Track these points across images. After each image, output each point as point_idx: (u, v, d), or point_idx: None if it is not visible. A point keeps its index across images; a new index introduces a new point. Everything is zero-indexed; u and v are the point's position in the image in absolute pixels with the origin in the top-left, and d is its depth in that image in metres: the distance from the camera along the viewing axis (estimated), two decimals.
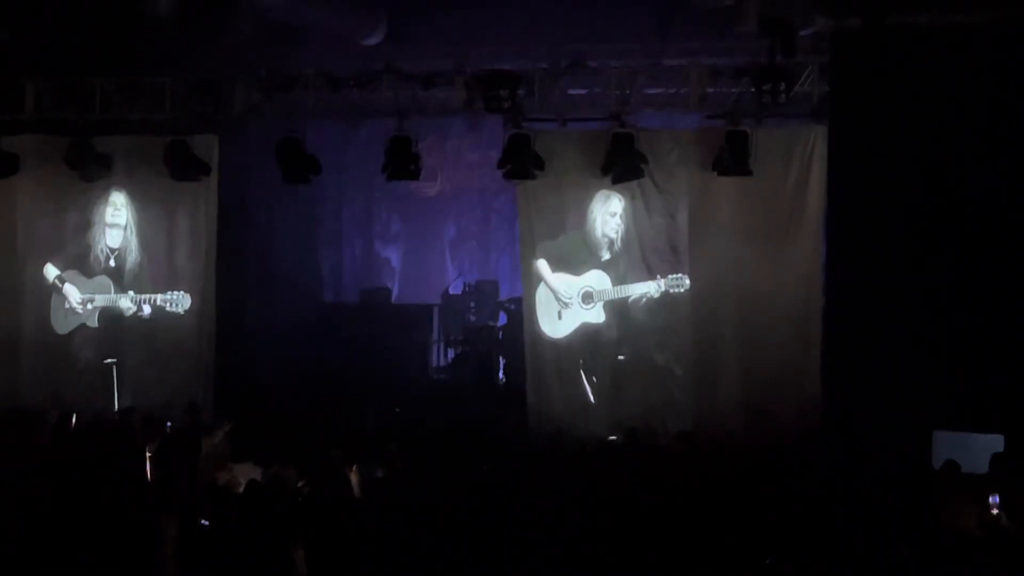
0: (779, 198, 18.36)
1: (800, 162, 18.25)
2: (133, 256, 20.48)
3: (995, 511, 12.23)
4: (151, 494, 12.71)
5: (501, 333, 24.20)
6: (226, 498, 12.21)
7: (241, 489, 13.02)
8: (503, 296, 24.87)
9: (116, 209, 20.49)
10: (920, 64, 17.70)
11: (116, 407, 19.32)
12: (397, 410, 18.16)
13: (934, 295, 17.70)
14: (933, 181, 17.78)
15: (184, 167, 19.63)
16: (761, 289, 18.44)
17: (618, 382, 18.98)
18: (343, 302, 24.30)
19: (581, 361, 19.17)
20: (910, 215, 17.90)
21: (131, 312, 20.39)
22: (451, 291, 25.39)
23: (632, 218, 19.04)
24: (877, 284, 18.01)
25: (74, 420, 16.93)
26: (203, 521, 11.85)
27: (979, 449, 15.36)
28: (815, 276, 18.23)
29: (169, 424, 17.24)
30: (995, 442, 15.74)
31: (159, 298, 20.24)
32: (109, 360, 20.21)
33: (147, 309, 20.34)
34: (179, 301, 20.13)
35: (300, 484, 13.16)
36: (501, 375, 23.51)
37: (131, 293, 20.40)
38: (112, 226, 20.51)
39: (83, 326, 20.60)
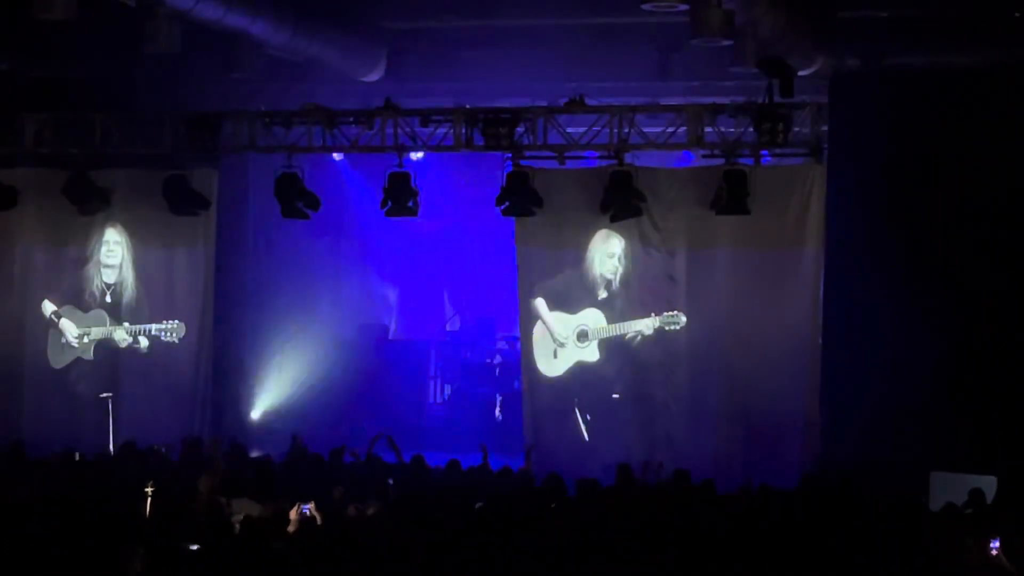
0: (777, 237, 18.36)
1: (798, 201, 18.25)
2: (130, 291, 20.49)
3: (995, 553, 12.18)
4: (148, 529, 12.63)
5: (498, 371, 24.20)
6: (224, 533, 12.13)
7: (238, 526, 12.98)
8: (500, 334, 24.86)
9: (110, 248, 20.50)
10: (917, 104, 17.76)
11: (111, 441, 19.25)
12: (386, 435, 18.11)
13: (933, 334, 17.70)
14: (931, 220, 17.81)
15: (183, 201, 19.66)
16: (759, 328, 18.43)
17: (612, 420, 18.95)
18: (340, 337, 24.24)
19: (575, 399, 19.14)
20: (908, 253, 17.92)
21: (126, 344, 20.37)
22: (448, 328, 25.39)
23: (630, 257, 19.04)
24: (875, 322, 18.01)
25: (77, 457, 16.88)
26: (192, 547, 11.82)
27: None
28: (813, 314, 18.20)
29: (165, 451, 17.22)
30: (990, 484, 15.70)
31: (154, 328, 20.24)
32: (105, 395, 20.15)
33: (144, 342, 20.33)
34: (174, 330, 20.14)
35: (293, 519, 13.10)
36: (498, 412, 23.49)
37: (126, 324, 20.39)
38: (107, 266, 20.53)
39: (79, 360, 20.58)
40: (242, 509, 13.70)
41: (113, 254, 20.51)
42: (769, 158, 18.51)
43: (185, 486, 14.44)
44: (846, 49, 19.42)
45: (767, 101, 17.57)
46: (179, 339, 20.13)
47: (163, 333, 20.19)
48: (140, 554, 12.08)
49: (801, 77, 18.34)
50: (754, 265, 18.47)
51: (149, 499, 13.21)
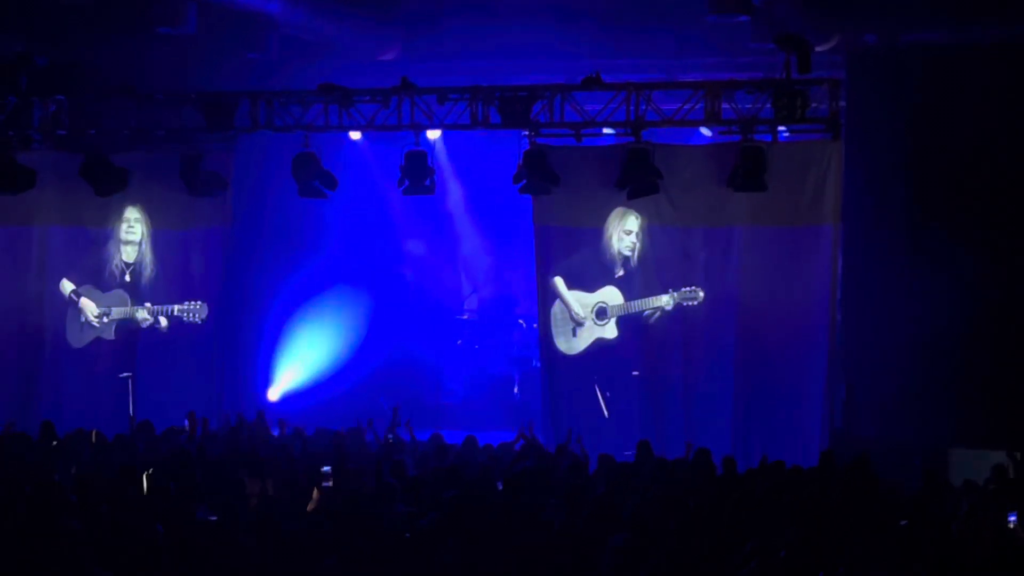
0: (795, 213, 18.29)
1: (816, 177, 18.16)
2: (148, 269, 20.55)
3: (1012, 526, 12.19)
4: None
5: (516, 349, 24.22)
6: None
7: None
8: (518, 313, 24.87)
9: (130, 226, 20.57)
10: (934, 80, 17.73)
11: (131, 420, 19.32)
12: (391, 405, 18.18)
13: (952, 310, 17.68)
14: (949, 195, 17.78)
15: (200, 181, 19.67)
16: (776, 304, 18.39)
17: (631, 397, 18.96)
18: (358, 316, 24.28)
19: (595, 377, 19.15)
20: (926, 230, 17.90)
21: (148, 324, 20.46)
22: (466, 307, 25.39)
23: (647, 234, 19.01)
24: (894, 298, 18.00)
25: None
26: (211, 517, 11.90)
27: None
28: (831, 290, 18.16)
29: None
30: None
31: (176, 308, 20.32)
32: (125, 374, 20.23)
33: (163, 321, 20.41)
34: (197, 311, 20.21)
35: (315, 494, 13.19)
36: (516, 390, 23.53)
37: (148, 304, 20.47)
38: (127, 243, 20.60)
39: (99, 339, 20.66)
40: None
41: (133, 231, 20.57)
42: (786, 134, 18.44)
43: (207, 465, 14.56)
44: (864, 25, 19.35)
45: (784, 77, 17.49)
46: (201, 320, 20.18)
47: (185, 314, 20.26)
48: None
49: (818, 53, 18.28)
50: (771, 241, 18.43)
51: (146, 482, 13.27)
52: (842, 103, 18.11)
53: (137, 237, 20.59)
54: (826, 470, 14.58)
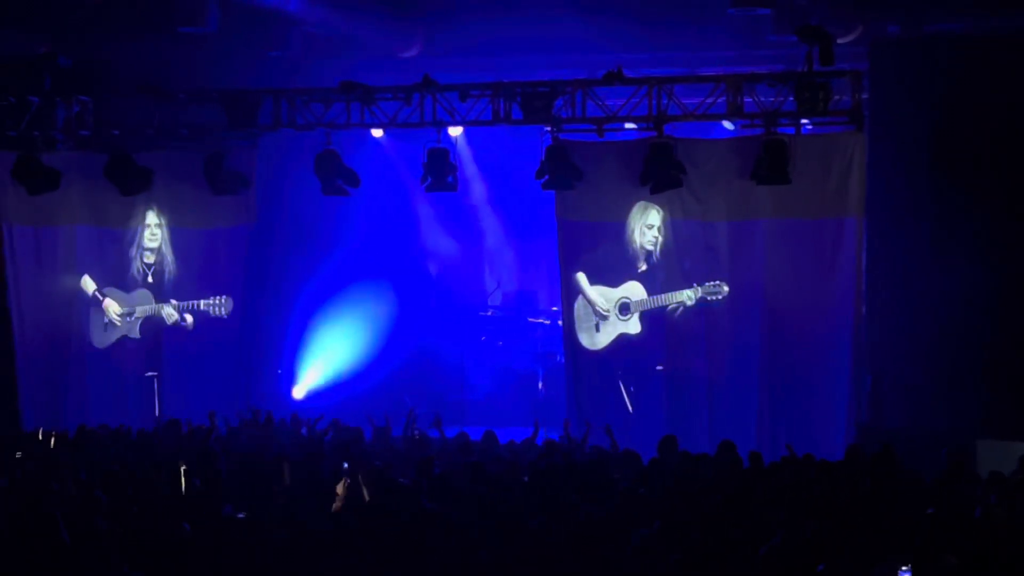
0: (818, 206, 18.24)
1: (839, 169, 18.10)
2: (171, 268, 20.63)
3: None
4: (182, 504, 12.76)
5: (540, 345, 24.22)
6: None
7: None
8: (541, 308, 24.88)
9: (152, 232, 20.64)
10: (957, 70, 17.63)
11: (158, 419, 19.40)
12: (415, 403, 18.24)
13: (977, 302, 17.61)
14: (973, 186, 17.69)
15: (223, 180, 19.74)
16: (801, 297, 18.36)
17: (655, 392, 18.95)
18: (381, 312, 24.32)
19: (619, 372, 19.15)
20: (951, 221, 17.81)
21: (173, 320, 20.53)
22: (489, 303, 25.41)
23: (670, 228, 19.00)
24: (918, 290, 17.93)
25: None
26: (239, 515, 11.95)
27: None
28: (855, 283, 18.11)
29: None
30: None
31: (202, 303, 20.42)
32: (151, 373, 20.32)
33: (189, 319, 20.49)
34: (222, 305, 20.29)
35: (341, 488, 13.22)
36: (540, 385, 23.53)
37: (173, 301, 20.57)
38: (150, 242, 20.67)
39: (124, 338, 20.74)
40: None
41: (155, 237, 20.65)
42: (809, 127, 18.39)
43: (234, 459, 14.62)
44: (886, 15, 19.30)
45: (807, 69, 17.44)
46: (226, 313, 20.26)
47: (211, 308, 20.35)
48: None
49: (840, 44, 18.22)
50: (795, 234, 18.39)
51: (183, 477, 13.32)
52: (865, 95, 18.04)
53: (158, 243, 20.67)
54: (852, 463, 14.54)
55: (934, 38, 18.82)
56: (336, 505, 13.05)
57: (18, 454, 15.34)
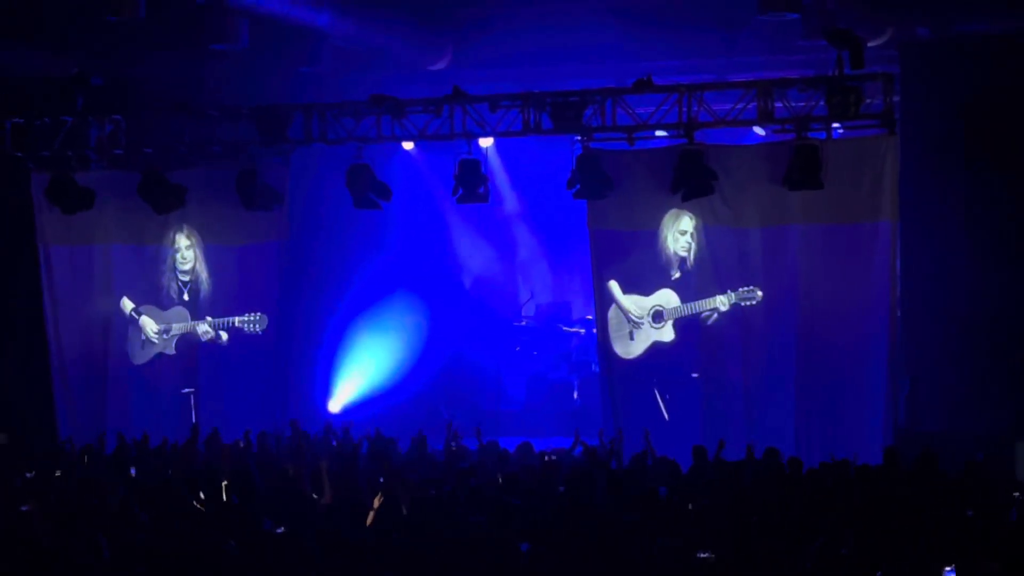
0: (851, 210, 18.16)
1: (872, 173, 18.00)
2: (206, 285, 20.71)
3: None
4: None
5: (574, 354, 24.22)
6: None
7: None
8: (575, 317, 24.88)
9: (183, 255, 20.73)
10: (989, 72, 17.57)
11: (196, 435, 19.45)
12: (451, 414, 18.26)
13: (1013, 303, 17.53)
14: (1007, 188, 17.61)
15: (256, 196, 19.78)
16: (836, 302, 18.28)
17: (691, 400, 18.91)
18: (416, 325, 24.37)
19: (654, 380, 19.12)
20: (985, 223, 17.74)
21: (208, 337, 20.61)
22: (523, 313, 25.43)
23: (703, 234, 18.96)
24: (954, 292, 17.85)
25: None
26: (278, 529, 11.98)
27: None
28: (890, 287, 18.03)
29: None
30: None
31: (237, 320, 20.48)
32: (187, 390, 20.42)
33: (224, 336, 20.57)
34: (256, 322, 20.36)
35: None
36: (575, 395, 23.53)
37: (208, 318, 20.65)
38: (184, 260, 20.76)
39: (160, 355, 20.84)
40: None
41: (187, 260, 20.74)
42: (840, 131, 18.32)
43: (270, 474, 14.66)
44: (915, 17, 19.22)
45: (837, 73, 17.38)
46: (261, 330, 20.32)
47: (246, 325, 20.42)
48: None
49: (871, 48, 18.15)
50: (829, 239, 18.31)
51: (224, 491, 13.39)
52: (896, 97, 17.97)
53: (194, 255, 20.76)
54: (891, 467, 14.48)
55: (965, 39, 18.74)
56: (369, 519, 13.08)
57: (57, 472, 15.44)
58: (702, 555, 10.89)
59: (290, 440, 17.91)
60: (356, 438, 17.87)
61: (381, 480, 13.84)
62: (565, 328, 24.61)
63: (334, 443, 17.83)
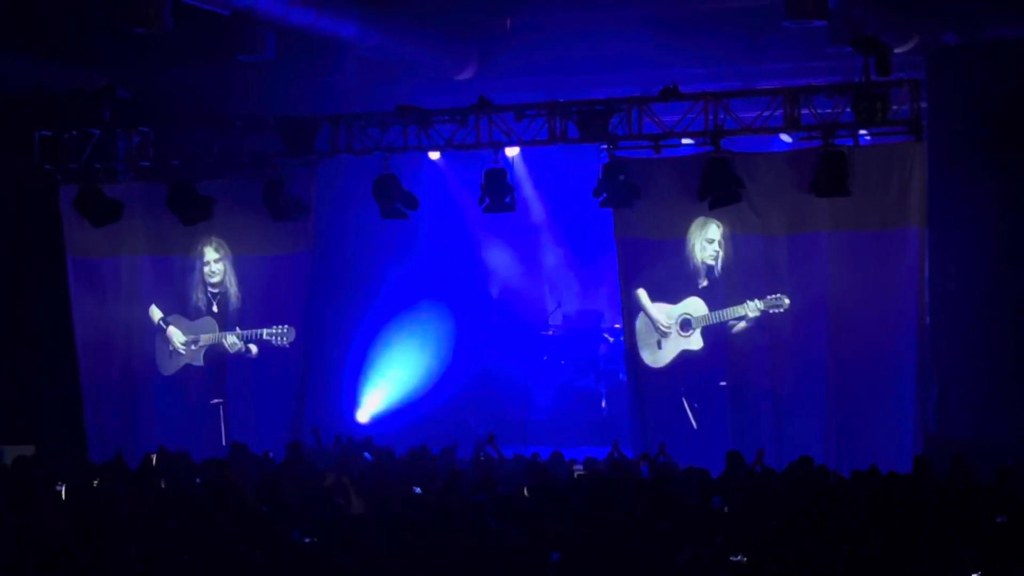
0: (879, 217, 18.09)
1: (899, 180, 17.93)
2: (234, 296, 20.75)
3: None
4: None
5: (602, 363, 24.19)
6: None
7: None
8: (603, 327, 24.85)
9: (212, 269, 20.78)
10: (1016, 76, 17.50)
11: (224, 446, 19.52)
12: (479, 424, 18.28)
13: None
14: None
15: (283, 207, 19.83)
16: (864, 309, 18.21)
17: (719, 408, 18.86)
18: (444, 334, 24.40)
19: (682, 388, 19.08)
20: (1014, 228, 17.67)
21: (236, 349, 20.65)
22: (551, 322, 25.42)
23: (730, 242, 18.92)
24: (983, 299, 17.78)
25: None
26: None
27: None
28: (919, 293, 17.96)
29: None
30: None
31: (265, 332, 20.50)
32: (216, 400, 20.46)
33: (254, 349, 20.60)
34: (284, 334, 20.38)
35: None
36: (604, 404, 23.50)
37: (237, 330, 20.68)
38: (212, 271, 20.81)
39: (188, 366, 20.89)
40: None
41: (215, 274, 20.78)
42: (868, 138, 18.27)
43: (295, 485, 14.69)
44: (942, 23, 19.16)
45: (864, 80, 17.34)
46: (289, 343, 20.34)
47: (274, 338, 20.44)
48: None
49: (897, 54, 18.10)
50: (857, 246, 18.23)
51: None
52: (923, 104, 17.91)
53: (221, 266, 20.81)
54: (921, 475, 14.42)
55: (991, 45, 18.67)
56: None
57: (95, 482, 15.51)
58: (734, 559, 10.87)
59: (327, 449, 17.92)
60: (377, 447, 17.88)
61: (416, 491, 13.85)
62: (608, 337, 24.46)
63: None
